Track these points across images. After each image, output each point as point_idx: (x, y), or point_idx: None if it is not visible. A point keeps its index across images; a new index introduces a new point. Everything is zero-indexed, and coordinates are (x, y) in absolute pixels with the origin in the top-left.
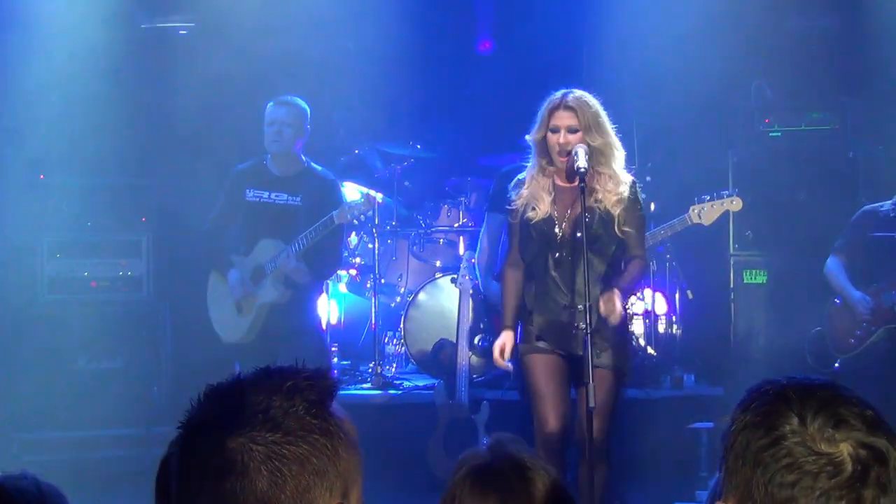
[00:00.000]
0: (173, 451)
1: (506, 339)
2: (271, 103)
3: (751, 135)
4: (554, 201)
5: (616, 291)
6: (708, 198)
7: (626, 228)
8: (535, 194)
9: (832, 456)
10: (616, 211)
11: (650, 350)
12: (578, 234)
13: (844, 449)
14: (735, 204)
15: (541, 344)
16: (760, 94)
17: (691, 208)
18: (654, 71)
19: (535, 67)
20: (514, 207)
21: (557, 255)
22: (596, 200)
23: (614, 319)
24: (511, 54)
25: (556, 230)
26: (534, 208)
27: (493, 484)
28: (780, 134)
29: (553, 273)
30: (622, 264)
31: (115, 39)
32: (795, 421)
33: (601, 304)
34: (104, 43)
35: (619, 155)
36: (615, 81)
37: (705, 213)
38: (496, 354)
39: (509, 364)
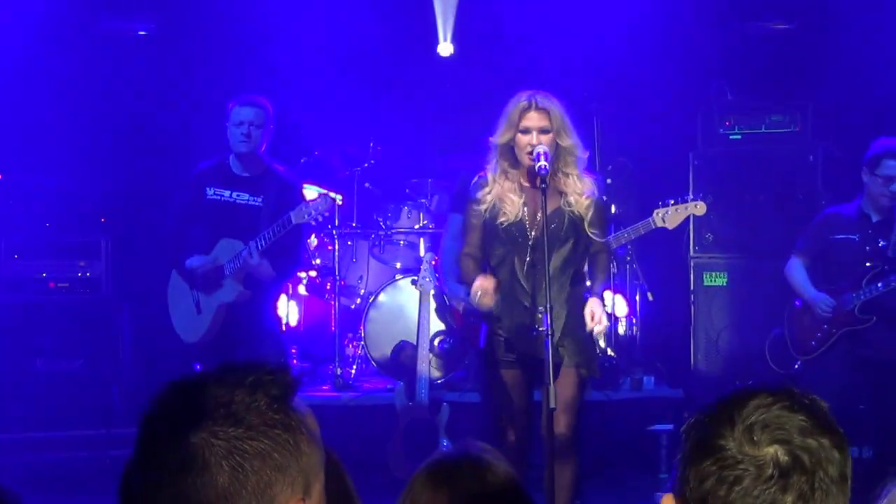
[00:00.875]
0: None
1: (483, 280)
2: (236, 101)
3: (711, 137)
4: (525, 203)
5: (597, 301)
6: (672, 202)
7: (594, 230)
8: (502, 197)
9: (756, 458)
10: (588, 214)
11: (610, 352)
12: (546, 237)
13: (768, 453)
14: (699, 208)
15: (504, 349)
16: (721, 96)
17: (655, 212)
18: (614, 73)
19: (496, 69)
20: (478, 208)
21: (527, 258)
22: (567, 204)
23: (601, 329)
24: (472, 56)
25: (529, 233)
26: (504, 212)
27: (446, 477)
28: (740, 136)
29: (521, 276)
30: (588, 264)
31: (74, 40)
32: (729, 423)
33: (588, 318)
34: (63, 44)
35: (583, 156)
36: (575, 84)
37: (669, 217)
38: (476, 296)
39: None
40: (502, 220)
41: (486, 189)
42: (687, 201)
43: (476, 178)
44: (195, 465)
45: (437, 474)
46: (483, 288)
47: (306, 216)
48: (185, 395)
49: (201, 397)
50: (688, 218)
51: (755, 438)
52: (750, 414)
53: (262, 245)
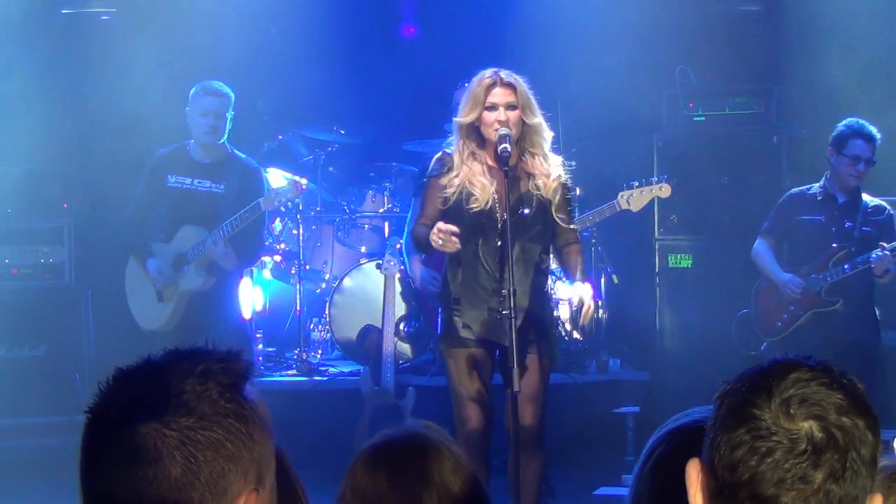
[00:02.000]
0: None
1: (442, 224)
2: (199, 90)
3: (675, 119)
4: (494, 188)
5: (588, 289)
6: (637, 184)
7: (561, 215)
8: (471, 180)
9: (790, 431)
10: (555, 198)
11: (576, 335)
12: (513, 219)
13: (803, 427)
14: (664, 190)
15: (465, 334)
16: (684, 78)
17: (620, 194)
18: (577, 56)
19: (459, 52)
20: (442, 188)
21: (496, 241)
22: (536, 187)
23: (587, 319)
24: (435, 39)
25: (496, 216)
26: (474, 197)
27: (385, 461)
28: (704, 118)
29: (484, 259)
30: (560, 252)
31: (35, 24)
32: (766, 394)
33: (583, 312)
34: (24, 28)
35: (548, 136)
36: (539, 66)
37: (634, 199)
38: (436, 240)
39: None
40: (473, 205)
41: (454, 173)
42: (651, 183)
43: (439, 155)
44: (147, 457)
45: (376, 457)
46: (443, 231)
47: (276, 202)
48: (135, 384)
49: (151, 387)
50: (652, 200)
51: (791, 412)
52: (788, 387)
53: (226, 233)
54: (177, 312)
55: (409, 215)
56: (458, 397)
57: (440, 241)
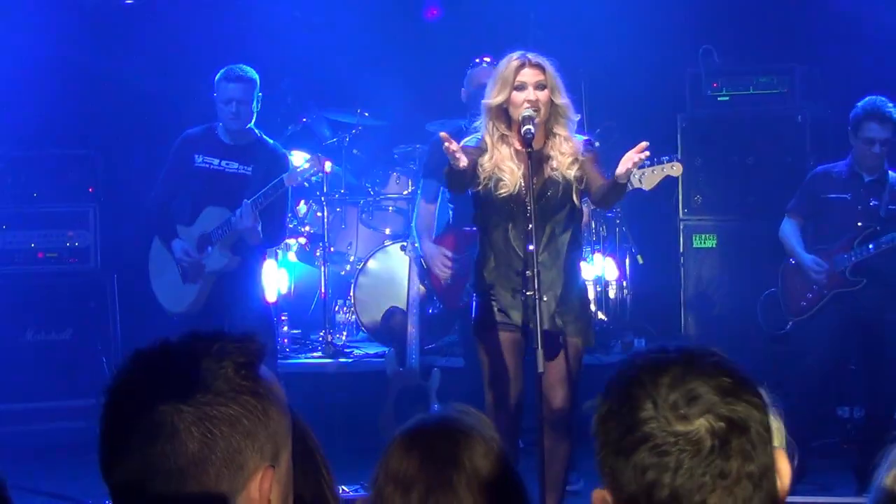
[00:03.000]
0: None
1: (449, 143)
2: (222, 77)
3: (699, 99)
4: (523, 173)
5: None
6: (648, 163)
7: (592, 175)
8: (499, 165)
9: (689, 434)
10: (571, 174)
11: (601, 315)
12: (541, 202)
13: (700, 425)
14: (675, 169)
15: (500, 318)
16: (708, 58)
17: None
18: (601, 36)
19: (483, 34)
20: (474, 166)
21: (523, 225)
22: (552, 168)
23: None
24: (458, 20)
25: (526, 200)
26: (503, 182)
27: (419, 444)
28: (728, 98)
29: (515, 244)
30: (599, 192)
31: (60, 8)
32: (649, 404)
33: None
34: (50, 12)
35: (574, 118)
36: (563, 47)
37: (646, 178)
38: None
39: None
40: (502, 191)
41: (487, 155)
42: (663, 162)
43: (478, 135)
44: (164, 432)
45: (409, 441)
46: (451, 149)
47: (299, 178)
48: (151, 364)
49: (167, 366)
50: (674, 180)
51: (682, 414)
52: (668, 390)
53: (258, 204)
54: (202, 294)
55: (418, 197)
56: (490, 381)
57: (454, 152)
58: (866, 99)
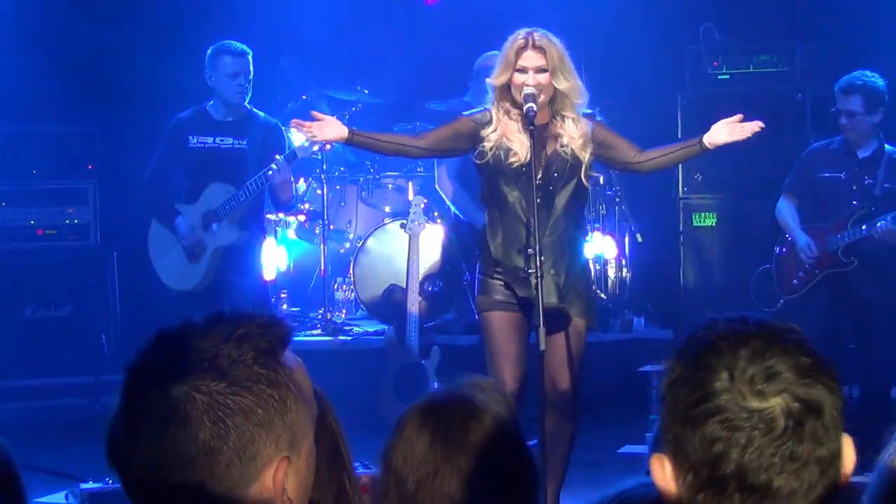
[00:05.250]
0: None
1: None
2: (222, 52)
3: (699, 77)
4: (530, 144)
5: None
6: None
7: (613, 141)
8: (508, 136)
9: (764, 412)
10: (585, 155)
11: (600, 293)
12: (545, 179)
13: (776, 404)
14: None
15: (504, 295)
16: (709, 36)
17: None
18: (602, 14)
19: (484, 12)
20: (482, 148)
21: (531, 200)
22: (561, 145)
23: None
24: (459, 2)
25: (535, 173)
26: (514, 151)
27: (431, 420)
28: (728, 76)
29: (524, 218)
30: (642, 161)
31: None
32: (725, 376)
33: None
34: None
35: (581, 99)
36: (563, 25)
37: None
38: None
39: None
40: (513, 159)
41: (492, 127)
42: None
43: (480, 109)
44: (176, 419)
45: (422, 415)
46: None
47: (315, 147)
48: (170, 346)
49: (186, 349)
50: None
51: (759, 389)
52: (746, 364)
53: (291, 158)
54: (210, 270)
55: (441, 174)
56: (494, 360)
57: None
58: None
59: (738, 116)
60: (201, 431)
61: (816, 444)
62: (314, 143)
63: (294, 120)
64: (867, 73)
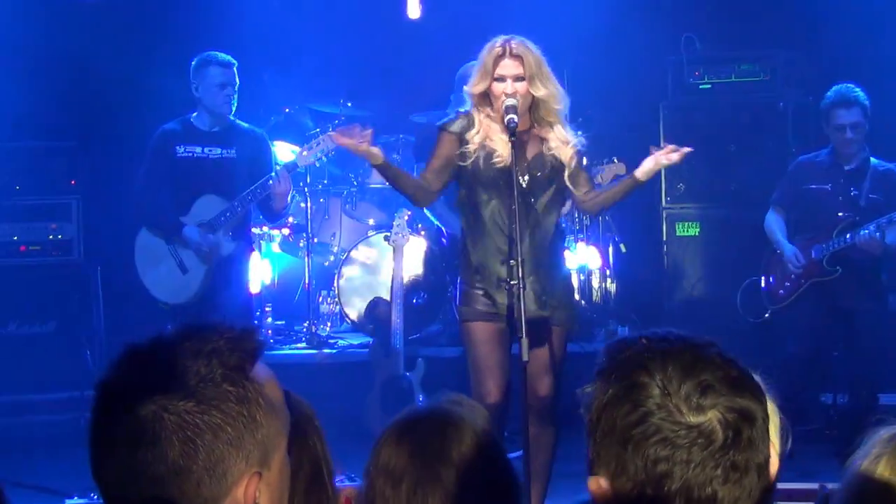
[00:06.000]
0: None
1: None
2: (208, 63)
3: (681, 87)
4: (512, 151)
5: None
6: (606, 161)
7: (581, 179)
8: (490, 136)
9: (702, 426)
10: (571, 164)
11: (584, 303)
12: (527, 184)
13: (713, 416)
14: (620, 168)
15: (484, 304)
16: (690, 46)
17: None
18: (583, 24)
19: (465, 25)
20: (464, 150)
21: (509, 205)
22: (549, 149)
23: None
24: (440, 11)
25: (519, 179)
26: (497, 153)
27: (410, 434)
28: (710, 86)
29: (502, 224)
30: (587, 199)
31: (37, 4)
32: (658, 393)
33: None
34: (26, 7)
35: (561, 105)
36: (546, 36)
37: (603, 175)
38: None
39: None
40: (496, 160)
41: (475, 129)
42: (613, 162)
43: (455, 114)
44: (144, 439)
45: (399, 433)
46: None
47: (311, 157)
48: (140, 362)
49: (155, 366)
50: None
51: (695, 403)
52: (678, 380)
53: (292, 168)
54: (206, 282)
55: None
56: (477, 371)
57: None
58: (833, 88)
59: (671, 147)
60: (171, 451)
61: (753, 452)
62: (324, 152)
63: (334, 132)
64: (850, 85)
